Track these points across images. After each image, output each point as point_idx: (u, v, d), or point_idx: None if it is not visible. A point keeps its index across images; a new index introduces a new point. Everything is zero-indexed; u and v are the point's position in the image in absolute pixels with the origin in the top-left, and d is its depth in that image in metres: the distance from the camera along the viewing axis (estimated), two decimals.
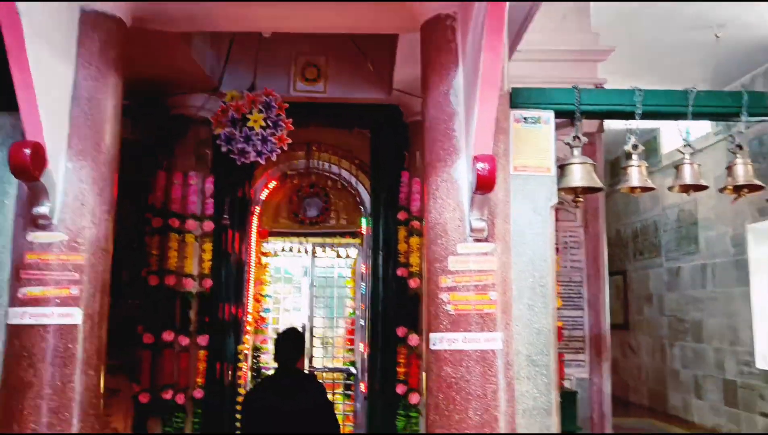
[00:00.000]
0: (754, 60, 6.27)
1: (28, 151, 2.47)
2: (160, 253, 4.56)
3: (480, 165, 2.60)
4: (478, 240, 2.79)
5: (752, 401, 7.64)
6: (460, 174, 2.83)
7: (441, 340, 2.77)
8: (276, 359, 4.06)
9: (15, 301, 2.62)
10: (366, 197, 5.14)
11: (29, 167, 2.48)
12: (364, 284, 5.00)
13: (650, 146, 10.01)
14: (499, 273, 2.81)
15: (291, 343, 4.01)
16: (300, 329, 4.28)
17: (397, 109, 4.84)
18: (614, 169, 9.55)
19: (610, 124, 4.34)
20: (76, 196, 2.71)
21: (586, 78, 5.03)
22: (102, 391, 2.76)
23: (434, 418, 2.79)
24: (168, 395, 4.33)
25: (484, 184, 2.62)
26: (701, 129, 8.32)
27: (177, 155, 4.72)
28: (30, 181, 2.56)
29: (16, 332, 2.59)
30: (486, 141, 2.66)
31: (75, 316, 2.61)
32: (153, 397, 4.37)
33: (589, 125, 5.12)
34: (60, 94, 2.71)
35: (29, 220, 2.67)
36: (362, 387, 4.89)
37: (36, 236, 2.65)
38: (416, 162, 4.74)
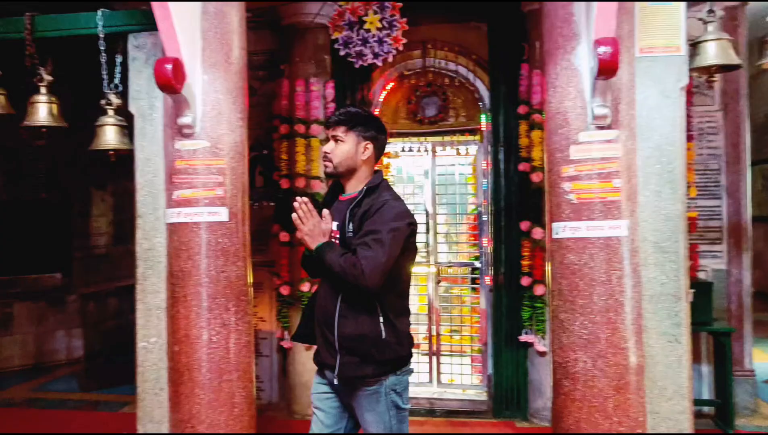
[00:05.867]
0: None
1: (169, 66, 2.69)
2: (288, 157, 4.81)
3: (601, 48, 2.50)
4: (601, 127, 2.73)
5: None
6: (581, 60, 2.74)
7: (564, 229, 2.79)
8: None
9: (171, 203, 2.94)
10: (484, 93, 5.05)
11: (172, 81, 2.71)
12: (485, 181, 5.01)
13: None
14: (623, 160, 2.74)
15: None
16: None
17: None
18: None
19: None
20: (213, 105, 2.93)
21: None
22: (250, 281, 3.08)
23: (558, 304, 2.86)
24: (305, 287, 4.69)
25: (607, 69, 2.53)
26: None
27: (297, 62, 4.86)
28: (173, 94, 2.80)
29: (174, 229, 2.93)
30: (607, 22, 2.55)
31: (222, 214, 2.89)
32: (292, 289, 4.76)
33: None
34: (191, 10, 2.88)
35: (176, 129, 2.93)
36: (487, 280, 5.01)
37: (183, 144, 2.92)
38: (536, 53, 4.58)
